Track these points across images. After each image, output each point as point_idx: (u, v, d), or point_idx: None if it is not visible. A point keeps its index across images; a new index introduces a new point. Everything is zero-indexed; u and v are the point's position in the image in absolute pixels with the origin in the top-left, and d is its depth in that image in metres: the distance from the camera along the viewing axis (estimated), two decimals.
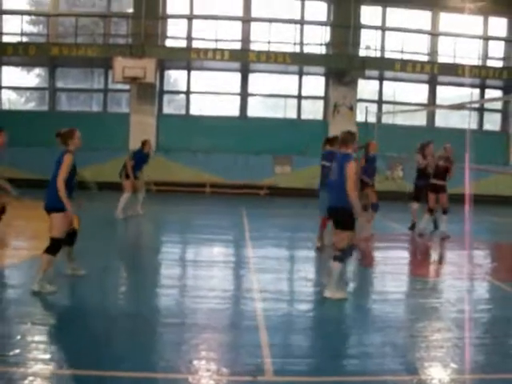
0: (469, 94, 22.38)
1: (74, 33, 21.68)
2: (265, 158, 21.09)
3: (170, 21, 22.25)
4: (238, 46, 21.84)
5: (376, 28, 22.33)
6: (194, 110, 22.66)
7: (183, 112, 22.69)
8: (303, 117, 22.79)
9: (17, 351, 5.40)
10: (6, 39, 21.74)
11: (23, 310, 6.71)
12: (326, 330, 6.58)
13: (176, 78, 23.85)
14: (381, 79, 22.71)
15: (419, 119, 23.18)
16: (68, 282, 8.28)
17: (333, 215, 7.81)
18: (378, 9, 22.21)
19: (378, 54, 22.19)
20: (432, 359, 5.75)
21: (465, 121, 22.00)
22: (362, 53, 21.71)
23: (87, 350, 5.63)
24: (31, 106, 23.66)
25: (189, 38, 22.05)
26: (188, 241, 12.17)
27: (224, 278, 9.17)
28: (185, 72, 22.61)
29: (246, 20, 21.99)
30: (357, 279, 9.63)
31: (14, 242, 11.32)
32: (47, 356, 5.41)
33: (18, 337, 5.82)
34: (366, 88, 23.10)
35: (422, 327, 6.75)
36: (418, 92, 23.27)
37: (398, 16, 22.37)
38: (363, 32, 21.89)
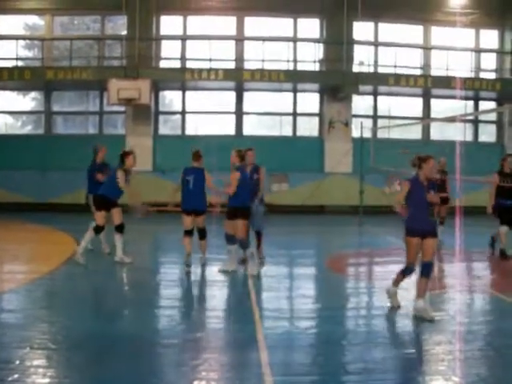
0: (463, 106, 22.49)
1: (68, 56, 21.83)
2: None
3: (163, 42, 22.38)
4: (232, 65, 21.96)
5: (369, 43, 22.50)
6: (190, 130, 22.73)
7: (179, 132, 22.76)
8: (299, 134, 22.87)
9: (15, 376, 5.37)
10: (1, 64, 21.83)
11: (22, 335, 6.68)
12: (326, 347, 6.55)
13: (171, 98, 23.93)
14: (375, 94, 22.82)
15: (414, 133, 23.25)
16: (65, 305, 8.26)
17: None
18: (370, 24, 22.39)
19: (372, 69, 22.33)
20: (433, 373, 5.72)
21: (460, 133, 22.08)
22: (356, 68, 21.85)
23: (86, 373, 5.60)
24: (28, 129, 23.72)
25: (183, 59, 22.19)
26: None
27: (223, 297, 9.15)
28: (180, 92, 22.72)
29: (240, 39, 22.13)
30: (356, 294, 9.62)
31: (10, 265, 11.26)
32: (46, 380, 5.37)
33: (17, 361, 5.78)
34: (361, 103, 23.19)
35: (423, 341, 6.73)
36: (412, 106, 23.38)
37: (390, 31, 22.57)
38: (356, 48, 22.05)
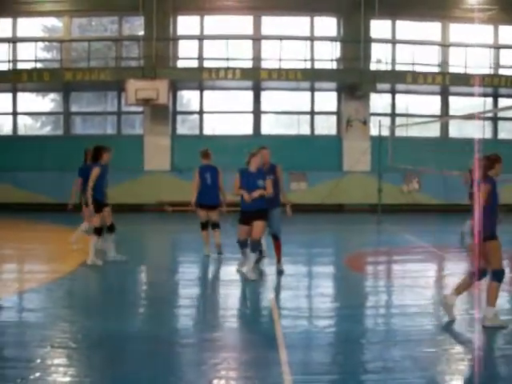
0: (482, 103, 22.32)
1: (86, 57, 21.96)
2: None
3: (181, 42, 22.45)
4: (249, 64, 21.96)
5: (386, 41, 22.39)
6: (208, 130, 22.78)
7: (197, 132, 22.80)
8: (316, 132, 22.81)
9: (37, 374, 5.42)
10: (20, 66, 22.06)
11: (42, 334, 6.74)
12: (345, 346, 6.54)
13: (189, 98, 23.99)
14: (393, 92, 22.70)
15: (433, 131, 23.11)
16: (85, 305, 8.33)
17: None
18: (388, 22, 22.27)
19: (389, 67, 22.23)
20: (453, 372, 5.70)
21: (479, 130, 21.91)
22: (373, 66, 21.76)
23: (106, 372, 5.64)
24: (46, 130, 23.90)
25: (200, 58, 22.22)
26: (205, 260, 12.17)
27: (242, 296, 9.17)
28: (197, 92, 22.76)
29: (257, 38, 22.13)
30: (375, 293, 9.59)
31: (31, 265, 11.34)
32: (67, 379, 5.42)
33: (38, 360, 5.84)
34: (379, 101, 23.09)
35: (442, 340, 6.69)
36: (430, 103, 23.21)
37: (407, 28, 22.43)
38: (373, 46, 21.94)
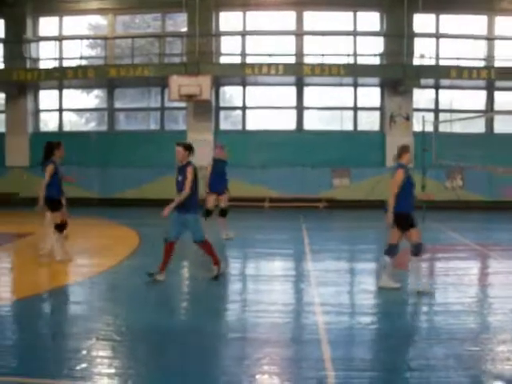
0: None
1: (130, 54, 22.24)
2: (322, 171, 21.02)
3: (223, 38, 22.53)
4: (291, 60, 21.92)
5: (430, 36, 22.09)
6: (251, 125, 22.81)
7: (240, 127, 22.86)
8: (359, 128, 22.65)
9: (83, 365, 5.54)
10: (66, 63, 22.43)
11: (88, 326, 6.88)
12: (388, 343, 6.51)
13: (231, 93, 24.04)
14: (436, 87, 22.39)
15: (477, 126, 22.71)
16: (129, 298, 8.44)
17: None
18: (432, 16, 21.97)
19: (433, 62, 21.91)
20: (498, 372, 5.62)
21: None
22: (417, 61, 21.47)
23: (150, 364, 5.72)
24: (91, 126, 24.26)
25: (243, 54, 22.27)
26: (248, 255, 12.22)
27: (285, 291, 9.18)
28: (240, 88, 22.81)
29: (299, 34, 22.07)
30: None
31: (76, 259, 11.51)
32: (112, 370, 5.53)
33: (84, 352, 5.96)
34: (422, 97, 22.81)
35: (487, 339, 6.60)
36: (475, 99, 22.82)
37: (452, 22, 22.07)
38: (417, 40, 21.66)
